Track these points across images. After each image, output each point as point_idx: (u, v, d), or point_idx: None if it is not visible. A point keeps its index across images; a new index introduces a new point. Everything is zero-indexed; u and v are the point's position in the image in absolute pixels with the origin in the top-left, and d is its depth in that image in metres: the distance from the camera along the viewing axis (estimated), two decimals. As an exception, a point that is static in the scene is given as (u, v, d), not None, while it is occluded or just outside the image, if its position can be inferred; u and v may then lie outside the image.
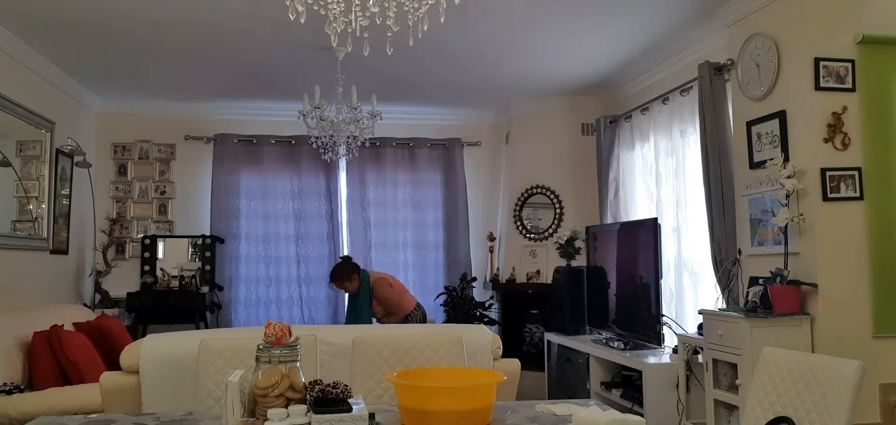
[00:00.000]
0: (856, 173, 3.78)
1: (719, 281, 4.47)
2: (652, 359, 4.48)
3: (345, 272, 5.76)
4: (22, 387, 4.23)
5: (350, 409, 1.99)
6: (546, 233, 6.86)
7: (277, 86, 6.22)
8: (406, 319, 5.75)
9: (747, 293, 3.98)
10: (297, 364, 2.13)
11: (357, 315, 5.79)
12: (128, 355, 3.46)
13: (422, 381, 2.35)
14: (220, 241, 6.87)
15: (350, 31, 2.58)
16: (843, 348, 3.53)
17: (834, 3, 3.84)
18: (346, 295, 5.98)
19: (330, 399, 2.01)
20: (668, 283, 5.26)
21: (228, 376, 2.06)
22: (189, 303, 6.41)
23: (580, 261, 6.03)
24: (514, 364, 3.80)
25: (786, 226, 3.78)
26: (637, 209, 5.96)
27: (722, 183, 4.47)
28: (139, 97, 6.69)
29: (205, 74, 5.92)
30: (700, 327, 4.15)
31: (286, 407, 2.04)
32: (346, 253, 7.15)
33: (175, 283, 6.63)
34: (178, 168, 7.08)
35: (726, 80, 4.58)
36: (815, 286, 3.71)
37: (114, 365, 4.15)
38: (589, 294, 5.81)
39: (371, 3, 2.46)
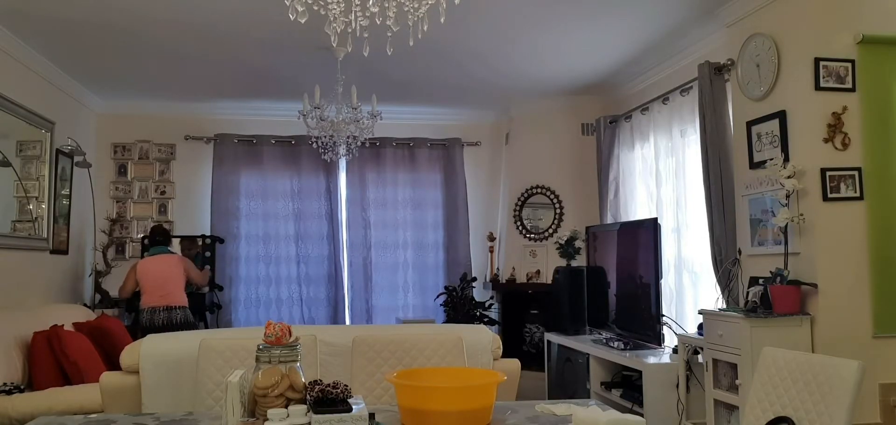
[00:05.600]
0: (856, 173, 3.78)
1: (719, 281, 4.47)
2: (652, 359, 4.47)
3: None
4: (22, 387, 4.23)
5: (350, 409, 1.99)
6: (546, 233, 6.86)
7: (277, 86, 6.22)
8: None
9: (747, 293, 3.98)
10: (297, 364, 2.13)
11: None
12: (128, 355, 3.46)
13: (422, 381, 2.34)
14: (220, 241, 6.86)
15: (350, 31, 2.58)
16: (843, 348, 3.53)
17: (834, 3, 3.84)
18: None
19: (330, 399, 2.01)
20: (668, 283, 5.26)
21: (228, 376, 2.06)
22: (189, 302, 6.39)
23: (580, 261, 6.03)
24: (514, 364, 3.80)
25: (786, 226, 3.78)
26: (637, 209, 5.96)
27: (722, 183, 4.48)
28: (139, 97, 6.69)
29: (205, 74, 5.92)
30: (700, 327, 4.15)
31: (286, 407, 2.04)
32: (346, 253, 7.16)
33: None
34: (178, 168, 7.08)
35: (726, 80, 4.58)
36: (815, 286, 3.71)
37: (114, 365, 4.15)
38: (589, 294, 5.81)
39: (371, 3, 2.46)
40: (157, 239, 5.89)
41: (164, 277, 5.59)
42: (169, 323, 5.46)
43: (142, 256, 6.18)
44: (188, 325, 5.54)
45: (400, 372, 2.35)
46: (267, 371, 2.09)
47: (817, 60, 3.80)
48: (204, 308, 6.46)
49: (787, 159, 3.88)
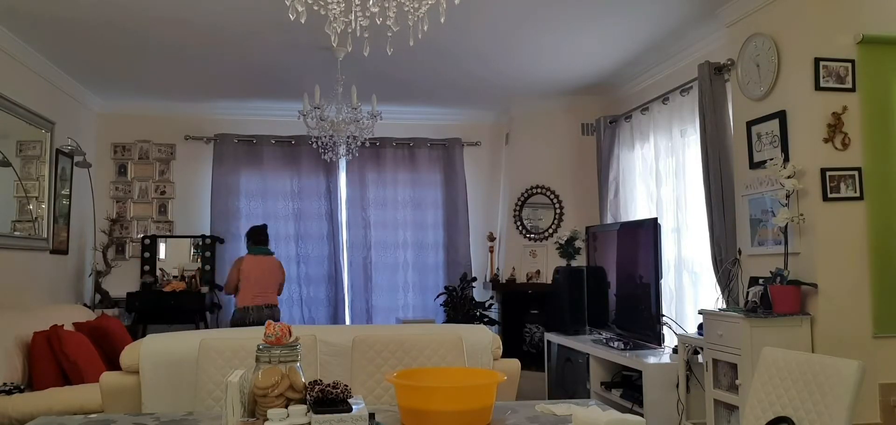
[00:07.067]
0: (856, 173, 3.78)
1: (719, 281, 4.47)
2: (652, 359, 4.47)
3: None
4: (22, 387, 4.23)
5: (350, 409, 1.99)
6: (546, 233, 6.86)
7: (277, 86, 6.22)
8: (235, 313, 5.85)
9: (747, 293, 3.98)
10: (297, 364, 2.13)
11: None
12: (128, 355, 3.46)
13: (422, 381, 2.34)
14: (220, 241, 6.86)
15: (350, 31, 2.58)
16: (843, 348, 3.53)
17: (834, 3, 3.84)
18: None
19: (330, 399, 2.01)
20: (668, 283, 5.26)
21: (228, 376, 2.06)
22: (189, 303, 6.41)
23: (580, 261, 6.03)
24: (514, 364, 3.80)
25: (786, 226, 3.78)
26: (637, 209, 5.96)
27: (722, 183, 4.48)
28: (139, 97, 6.69)
29: (205, 74, 5.92)
30: (700, 327, 4.15)
31: (286, 407, 2.04)
32: (346, 253, 7.16)
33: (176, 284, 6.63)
34: (178, 168, 7.08)
35: (726, 80, 4.58)
36: (815, 286, 3.71)
37: (114, 365, 4.15)
38: (589, 294, 5.80)
39: (371, 3, 2.46)
40: (261, 239, 6.09)
41: (265, 278, 5.88)
42: (259, 321, 5.63)
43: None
44: None
45: (400, 372, 2.35)
46: (267, 371, 2.09)
47: (817, 60, 3.80)
48: (204, 308, 6.46)
49: (787, 159, 3.88)
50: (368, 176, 7.28)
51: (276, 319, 5.77)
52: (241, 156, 7.09)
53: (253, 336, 2.80)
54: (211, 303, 6.64)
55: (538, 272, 6.75)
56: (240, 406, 2.02)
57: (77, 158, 6.08)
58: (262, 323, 5.55)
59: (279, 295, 6.09)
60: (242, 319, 5.68)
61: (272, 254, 6.15)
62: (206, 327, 6.45)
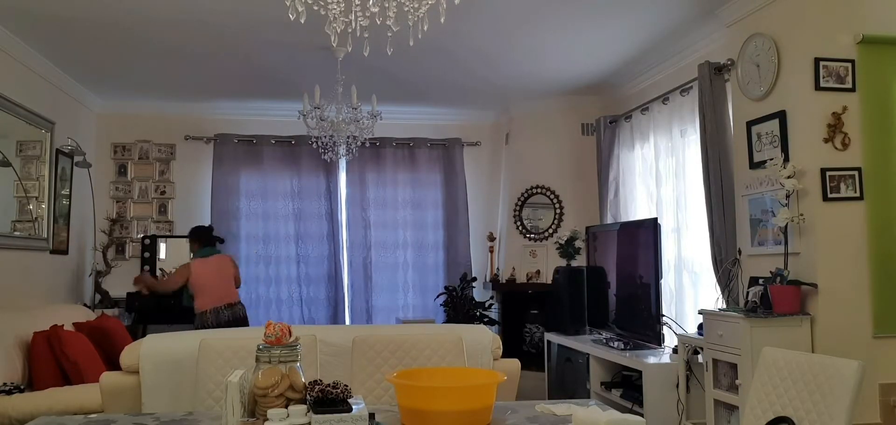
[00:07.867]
0: (856, 173, 3.78)
1: (719, 281, 4.47)
2: (652, 359, 4.48)
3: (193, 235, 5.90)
4: (22, 387, 4.23)
5: (350, 409, 1.99)
6: (546, 233, 6.86)
7: (277, 86, 6.22)
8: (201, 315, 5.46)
9: (747, 293, 3.98)
10: (297, 364, 2.13)
11: None
12: (128, 355, 3.46)
13: (422, 381, 2.34)
14: (220, 241, 6.85)
15: (350, 31, 2.58)
16: (843, 348, 3.53)
17: (834, 3, 3.84)
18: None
19: (330, 399, 2.01)
20: (668, 283, 5.26)
21: (228, 376, 2.06)
22: (189, 303, 6.39)
23: (580, 261, 6.03)
24: (514, 364, 3.80)
25: (786, 226, 3.78)
26: (637, 209, 5.96)
27: (722, 183, 4.48)
28: (139, 97, 6.69)
29: (205, 74, 5.92)
30: (700, 327, 4.15)
31: (286, 407, 2.04)
32: (346, 253, 7.16)
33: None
34: (178, 168, 7.08)
35: (726, 80, 4.58)
36: (815, 286, 3.71)
37: (114, 365, 4.15)
38: (589, 294, 5.80)
39: (371, 3, 2.46)
40: (208, 240, 5.85)
41: (222, 277, 5.59)
42: (234, 319, 5.44)
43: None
44: (247, 321, 5.59)
45: (400, 372, 2.35)
46: (267, 371, 2.09)
47: (817, 60, 3.80)
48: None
49: (787, 159, 3.88)
50: (368, 176, 7.28)
51: (240, 316, 5.47)
52: (241, 156, 7.09)
53: (253, 336, 2.80)
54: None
55: (538, 272, 6.76)
56: (240, 406, 2.02)
57: (77, 158, 6.08)
58: (237, 322, 5.34)
59: (238, 286, 5.76)
60: (217, 320, 5.39)
61: (219, 251, 5.86)
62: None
